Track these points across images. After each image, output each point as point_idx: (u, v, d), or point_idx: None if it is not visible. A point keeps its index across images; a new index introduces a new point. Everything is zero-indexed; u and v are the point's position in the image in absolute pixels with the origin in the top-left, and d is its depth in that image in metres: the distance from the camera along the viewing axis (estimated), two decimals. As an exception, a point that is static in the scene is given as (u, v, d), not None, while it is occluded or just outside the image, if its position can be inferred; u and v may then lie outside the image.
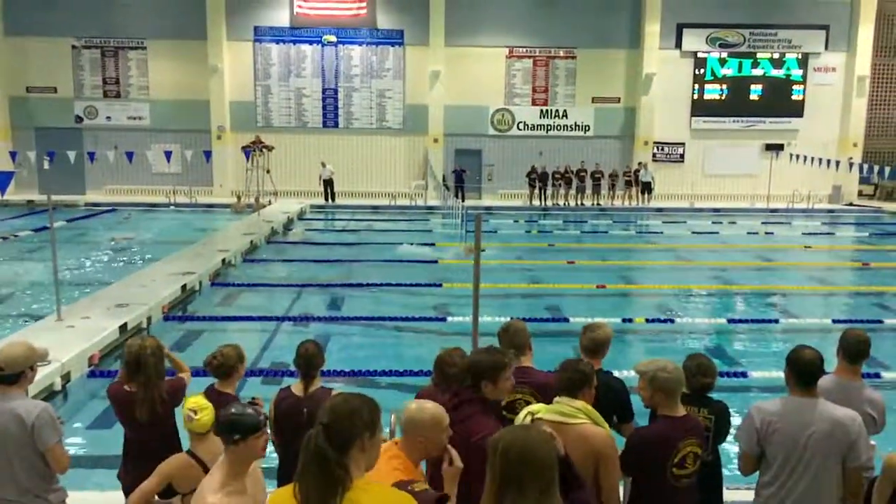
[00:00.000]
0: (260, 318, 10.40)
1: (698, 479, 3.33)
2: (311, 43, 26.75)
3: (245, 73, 26.77)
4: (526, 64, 27.39)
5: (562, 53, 27.30)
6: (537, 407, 3.23)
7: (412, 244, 14.54)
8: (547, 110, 27.55)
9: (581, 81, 27.38)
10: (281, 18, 26.58)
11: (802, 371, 3.32)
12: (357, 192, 26.85)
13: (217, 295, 12.24)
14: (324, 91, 27.04)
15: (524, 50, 27.26)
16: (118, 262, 15.09)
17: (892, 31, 28.07)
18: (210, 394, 3.83)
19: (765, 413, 3.36)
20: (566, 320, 10.16)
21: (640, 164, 26.60)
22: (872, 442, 3.78)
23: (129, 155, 20.37)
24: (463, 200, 25.26)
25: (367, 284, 12.72)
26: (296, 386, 3.88)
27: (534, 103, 27.54)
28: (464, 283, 12.01)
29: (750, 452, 3.42)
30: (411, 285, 12.62)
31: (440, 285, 12.46)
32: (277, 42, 26.72)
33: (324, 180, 25.65)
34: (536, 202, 25.98)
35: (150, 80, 26.66)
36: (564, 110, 27.55)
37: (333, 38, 26.72)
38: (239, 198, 23.96)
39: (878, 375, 7.93)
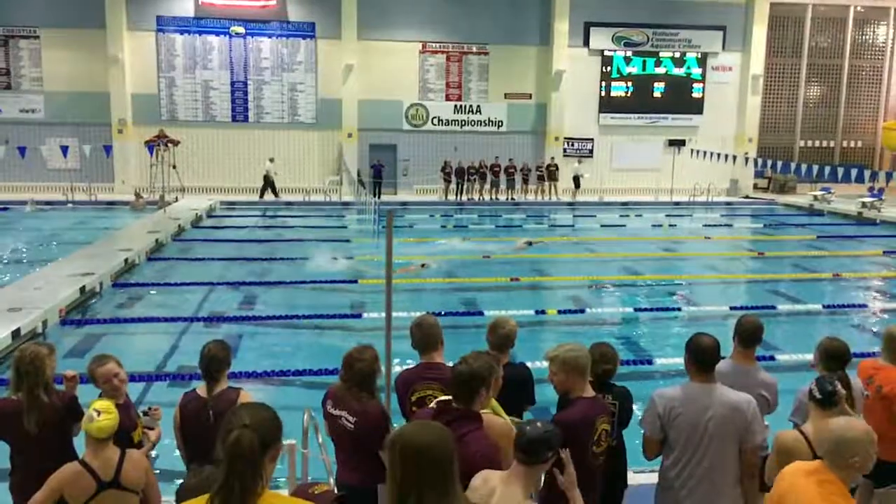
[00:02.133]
0: (167, 320, 10.01)
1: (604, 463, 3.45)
2: (217, 34, 25.92)
3: (148, 65, 25.66)
4: (439, 59, 27.48)
5: (474, 49, 27.54)
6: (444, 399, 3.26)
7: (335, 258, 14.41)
8: (461, 105, 27.76)
9: (494, 77, 27.73)
10: (185, 8, 25.61)
11: (700, 358, 3.48)
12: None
13: (120, 296, 11.71)
14: (232, 84, 26.27)
15: (437, 45, 27.34)
16: (10, 263, 14.18)
17: (784, 32, 29.79)
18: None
19: (666, 399, 3.51)
20: (481, 314, 10.28)
21: (551, 158, 27.19)
22: (766, 422, 4.01)
23: (22, 150, 19.19)
24: (380, 196, 25.18)
25: (281, 282, 12.47)
26: (201, 388, 3.76)
27: (448, 98, 27.68)
28: (379, 279, 11.96)
29: (653, 437, 3.56)
30: (326, 282, 12.46)
31: (356, 281, 12.36)
32: (182, 32, 25.74)
33: (264, 176, 24.94)
34: (452, 197, 26.15)
35: (44, 71, 25.15)
36: (478, 106, 27.83)
37: (241, 30, 25.98)
38: (138, 195, 22.92)
39: (772, 358, 8.39)
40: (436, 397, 3.65)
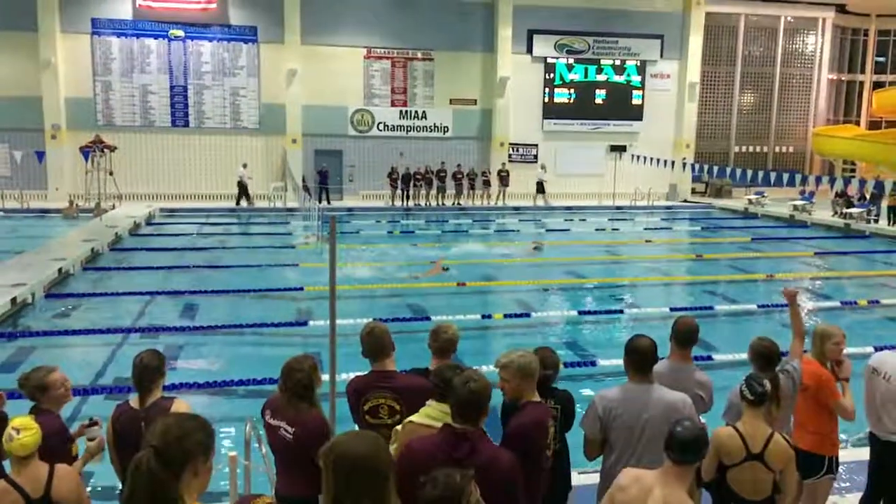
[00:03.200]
0: (103, 332, 9.69)
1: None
2: (156, 37, 25.31)
3: (82, 68, 24.87)
4: (384, 65, 27.45)
5: (419, 55, 27.61)
6: (416, 416, 3.31)
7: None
8: (406, 111, 27.77)
9: (439, 83, 27.84)
10: (122, 11, 24.92)
11: (637, 359, 3.57)
12: (213, 194, 25.74)
13: (53, 308, 11.29)
14: (172, 88, 25.67)
15: (382, 51, 27.30)
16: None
17: (719, 41, 30.79)
18: (33, 413, 3.52)
19: (606, 400, 3.58)
20: (428, 318, 10.28)
21: (502, 164, 27.41)
22: (703, 420, 4.13)
23: (-54, 156, 18.31)
24: (329, 202, 25.01)
25: (224, 291, 12.23)
26: (134, 399, 3.65)
27: (393, 104, 27.66)
28: (326, 286, 11.88)
29: (594, 438, 3.63)
30: (271, 290, 12.28)
31: (301, 289, 12.21)
32: (118, 35, 25.04)
33: (238, 182, 24.48)
34: (398, 203, 26.11)
35: (-30, 74, 24.13)
36: (423, 111, 27.89)
37: (181, 33, 25.43)
38: (71, 202, 22.16)
39: (710, 358, 8.64)
40: (388, 406, 3.65)
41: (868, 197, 22.21)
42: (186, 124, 25.91)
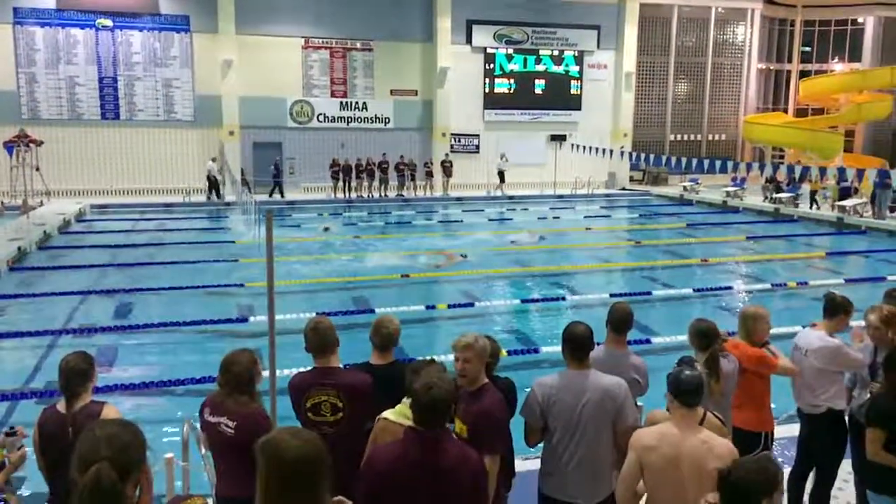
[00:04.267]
0: (32, 334, 9.30)
1: None
2: (82, 27, 24.34)
3: (4, 60, 23.74)
4: (323, 55, 27.08)
5: (359, 45, 27.34)
6: (390, 413, 3.28)
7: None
8: (347, 102, 27.49)
9: (379, 74, 27.64)
10: (45, -1, 23.90)
11: (574, 345, 3.64)
12: (147, 189, 24.99)
13: (-22, 311, 10.79)
14: (101, 80, 24.76)
15: (321, 41, 26.93)
16: None
17: (654, 32, 31.44)
18: None
19: (545, 387, 3.64)
20: (372, 311, 10.23)
21: (446, 154, 27.42)
22: (640, 403, 4.24)
23: None
24: (282, 195, 24.84)
25: (161, 288, 11.91)
26: (61, 403, 3.50)
27: (333, 95, 27.33)
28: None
29: (534, 425, 3.69)
30: (211, 286, 12.02)
31: (242, 285, 11.99)
32: (42, 25, 23.98)
33: (207, 177, 23.82)
34: (340, 195, 25.86)
35: None
36: (364, 102, 27.66)
37: (109, 23, 24.52)
38: (-6, 199, 21.21)
39: (648, 341, 8.86)
40: (331, 404, 3.61)
41: (797, 182, 23.10)
42: (117, 117, 25.04)
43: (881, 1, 32.05)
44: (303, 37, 26.64)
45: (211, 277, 12.62)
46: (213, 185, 24.14)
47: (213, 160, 24.62)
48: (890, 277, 12.37)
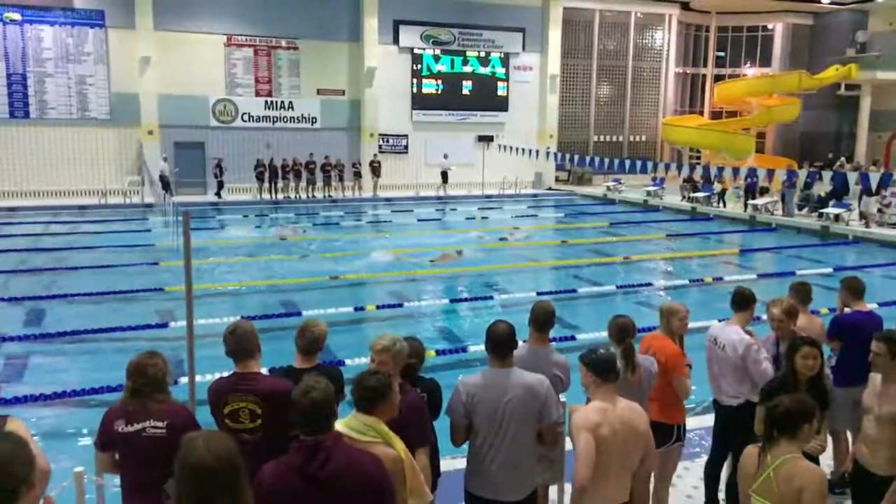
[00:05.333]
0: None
1: None
2: (-13, 20, 23.04)
3: None
4: (247, 53, 26.50)
5: (284, 44, 26.88)
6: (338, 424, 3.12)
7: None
8: (272, 101, 26.98)
9: (305, 73, 27.25)
10: (-56, -11, 22.50)
11: (496, 344, 3.68)
12: (60, 190, 23.88)
13: None
14: (9, 76, 23.48)
15: (244, 38, 26.34)
16: None
17: (577, 35, 32.18)
18: None
19: (469, 386, 3.67)
20: (299, 314, 10.09)
21: (374, 155, 27.25)
22: (562, 398, 4.32)
23: None
24: (219, 196, 24.62)
25: (76, 294, 11.39)
26: (-40, 418, 3.30)
27: (258, 94, 26.79)
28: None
29: (459, 424, 3.71)
30: (129, 292, 11.58)
31: (162, 289, 11.60)
32: (-59, 16, 22.58)
33: (160, 177, 22.95)
34: (266, 196, 25.36)
35: None
36: (290, 102, 27.22)
37: (17, 17, 23.29)
38: None
39: (573, 338, 9.06)
40: (250, 410, 3.53)
41: (712, 182, 24.06)
42: (27, 115, 23.82)
43: (789, 9, 33.76)
44: (225, 34, 25.99)
45: (129, 282, 12.16)
46: (166, 185, 23.53)
47: (165, 159, 23.99)
48: (798, 272, 13.03)
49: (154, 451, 3.29)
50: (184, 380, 3.70)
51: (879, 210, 19.36)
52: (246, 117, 26.57)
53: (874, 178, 16.56)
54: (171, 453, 3.08)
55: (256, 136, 26.62)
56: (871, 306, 8.52)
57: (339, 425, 3.09)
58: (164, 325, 9.58)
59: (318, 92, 27.52)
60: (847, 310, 5.51)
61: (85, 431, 6.35)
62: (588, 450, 3.26)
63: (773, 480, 3.02)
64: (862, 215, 19.30)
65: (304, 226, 20.46)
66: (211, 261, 14.53)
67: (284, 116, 27.15)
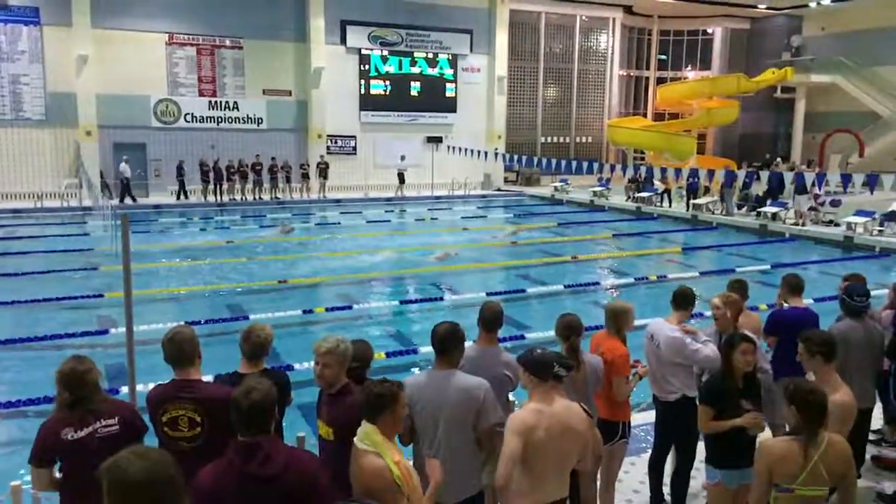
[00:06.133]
0: None
1: None
2: (-89, 15, 21.97)
3: None
4: (189, 52, 25.93)
5: (228, 43, 26.40)
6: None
7: None
8: (216, 102, 26.46)
9: (250, 73, 26.81)
10: None
11: (438, 344, 3.70)
12: (-9, 193, 22.95)
13: None
14: (-65, 74, 22.47)
15: (186, 37, 25.77)
16: None
17: (524, 37, 32.50)
18: None
19: (410, 387, 3.67)
20: (246, 318, 9.92)
21: (321, 156, 26.97)
22: (511, 398, 4.36)
23: None
24: (186, 197, 24.46)
25: (12, 302, 10.95)
26: None
27: (201, 94, 26.23)
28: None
29: (404, 423, 3.70)
30: (67, 298, 11.19)
31: (102, 295, 11.25)
32: None
33: (121, 179, 22.50)
34: (211, 198, 24.85)
35: None
36: (235, 102, 26.74)
37: (-56, 11, 22.29)
38: None
39: (522, 337, 9.14)
40: (189, 418, 3.44)
41: (655, 182, 24.61)
42: (-45, 115, 22.82)
43: (727, 13, 34.80)
44: (166, 32, 25.38)
45: (68, 288, 11.77)
46: (126, 187, 23.04)
47: (126, 161, 23.51)
48: (738, 269, 13.44)
49: (109, 451, 3.14)
50: (124, 388, 3.59)
51: (814, 209, 20.11)
52: (189, 118, 26.00)
53: (808, 178, 17.19)
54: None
55: (200, 136, 26.07)
56: (808, 302, 8.86)
57: (357, 439, 3.09)
58: (105, 332, 9.28)
59: (264, 92, 27.12)
60: (785, 306, 5.70)
61: (22, 444, 6.11)
62: (512, 455, 3.25)
63: (821, 467, 3.23)
64: (797, 213, 20.02)
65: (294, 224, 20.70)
66: (153, 265, 14.17)
67: (229, 117, 26.66)
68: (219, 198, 24.84)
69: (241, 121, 26.85)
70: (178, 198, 24.44)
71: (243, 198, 25.28)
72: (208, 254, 15.87)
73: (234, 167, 25.17)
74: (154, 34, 25.14)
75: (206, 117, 26.28)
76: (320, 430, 3.59)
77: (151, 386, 3.76)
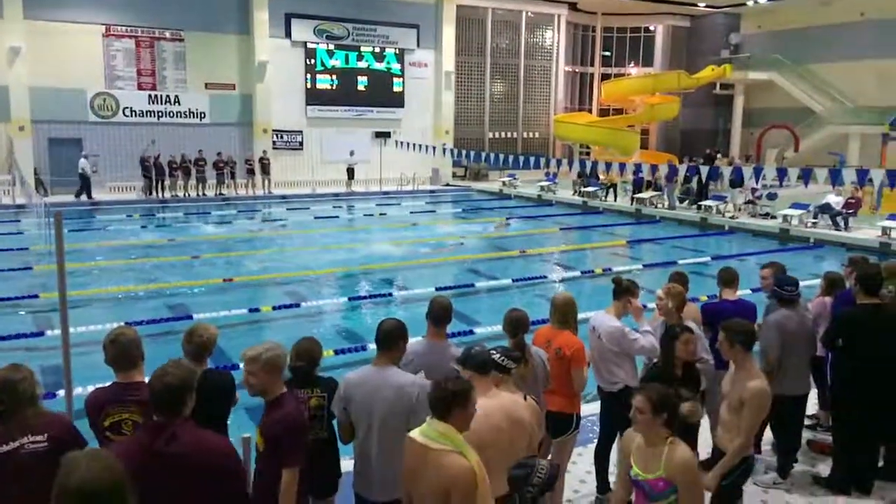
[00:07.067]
0: None
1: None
2: None
3: None
4: (128, 44, 25.17)
5: (168, 35, 25.71)
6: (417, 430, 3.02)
7: None
8: (156, 95, 25.77)
9: (192, 66, 26.19)
10: None
11: (381, 340, 3.69)
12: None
13: None
14: None
15: (124, 29, 25.00)
16: None
17: (470, 33, 32.58)
18: None
19: (348, 383, 3.66)
20: (190, 318, 9.69)
21: (263, 151, 26.52)
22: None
23: None
24: (157, 194, 23.93)
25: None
26: None
27: (140, 88, 25.50)
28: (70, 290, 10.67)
29: (342, 420, 3.70)
30: (1, 299, 10.74)
31: (37, 295, 10.84)
32: None
33: (80, 174, 21.79)
34: (153, 194, 24.19)
35: None
36: (176, 96, 26.08)
37: None
38: None
39: (471, 332, 9.17)
40: (133, 421, 3.34)
41: (600, 177, 25.00)
42: None
43: (669, 11, 35.60)
44: (103, 24, 24.59)
45: (1, 288, 11.29)
46: (85, 184, 22.31)
47: (86, 157, 22.87)
48: (680, 261, 13.77)
49: (35, 468, 3.00)
50: (61, 392, 3.46)
51: (751, 202, 20.75)
52: (128, 112, 25.25)
53: (747, 172, 17.74)
54: (55, 470, 2.88)
55: (140, 131, 25.35)
56: (746, 293, 9.15)
57: (418, 434, 2.97)
58: (40, 334, 8.94)
59: (207, 86, 26.53)
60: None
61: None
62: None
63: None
64: (735, 207, 20.63)
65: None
66: (92, 264, 13.74)
67: (170, 111, 25.99)
68: (160, 194, 24.21)
69: (183, 115, 26.21)
70: (151, 194, 23.99)
71: (186, 194, 24.69)
72: (150, 252, 15.45)
73: (176, 163, 24.55)
74: (90, 25, 24.34)
75: (146, 111, 25.56)
76: (256, 439, 3.52)
77: (91, 389, 3.65)
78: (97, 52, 24.61)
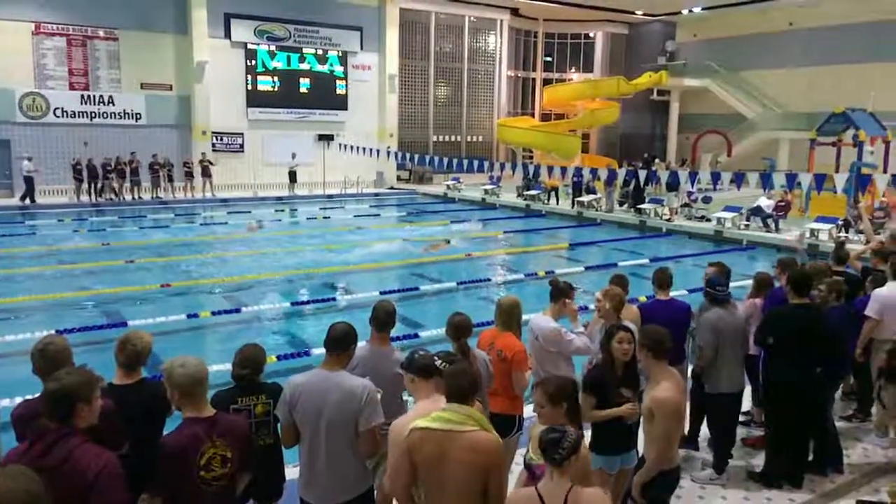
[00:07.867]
0: None
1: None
2: None
3: None
4: (59, 43, 24.26)
5: (101, 34, 24.90)
6: (423, 421, 3.07)
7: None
8: (89, 96, 24.91)
9: (127, 66, 25.42)
10: None
11: (329, 344, 3.65)
12: None
13: None
14: None
15: (55, 27, 24.09)
16: None
17: (414, 36, 32.59)
18: None
19: (293, 385, 3.60)
20: (125, 324, 9.40)
21: (203, 154, 25.90)
22: (406, 397, 4.35)
23: None
24: (125, 197, 23.63)
25: None
26: None
27: (72, 87, 24.62)
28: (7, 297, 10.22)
29: (286, 424, 3.64)
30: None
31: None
32: None
33: (25, 177, 21.08)
34: (85, 198, 23.36)
35: None
36: (110, 96, 25.28)
37: None
38: None
39: (416, 336, 9.16)
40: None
41: (539, 180, 25.34)
42: None
43: (608, 18, 36.37)
44: (32, 21, 23.64)
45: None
46: (30, 187, 21.58)
47: (30, 159, 22.03)
48: (621, 263, 14.06)
49: None
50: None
51: (687, 205, 21.35)
52: (59, 112, 24.34)
53: (683, 176, 18.26)
54: None
55: (72, 133, 24.47)
56: (682, 293, 9.39)
57: (432, 422, 3.03)
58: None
59: (143, 86, 25.81)
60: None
61: None
62: (395, 464, 3.21)
63: None
64: (671, 210, 21.20)
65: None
66: (19, 270, 13.18)
67: (104, 112, 25.17)
68: (93, 198, 23.40)
69: (118, 116, 25.42)
70: (88, 197, 23.35)
71: (121, 198, 23.94)
72: (82, 257, 14.90)
73: (110, 165, 23.77)
74: (19, 23, 23.38)
75: (79, 112, 24.69)
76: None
77: (18, 401, 3.49)
78: (26, 51, 23.65)
